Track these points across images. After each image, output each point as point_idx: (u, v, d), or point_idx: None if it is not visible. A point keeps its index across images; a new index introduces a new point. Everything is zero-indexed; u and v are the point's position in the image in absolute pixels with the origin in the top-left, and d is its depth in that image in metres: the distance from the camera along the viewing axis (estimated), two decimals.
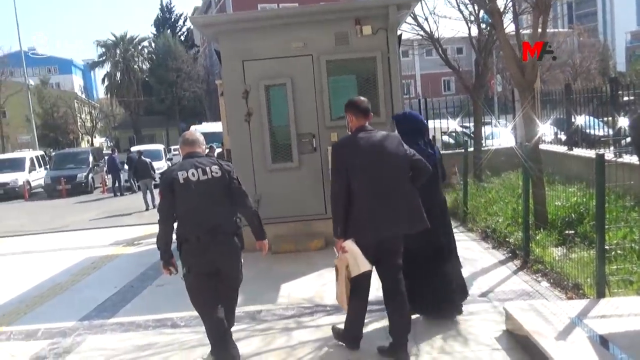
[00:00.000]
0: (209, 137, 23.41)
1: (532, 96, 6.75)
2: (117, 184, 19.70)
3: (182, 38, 51.14)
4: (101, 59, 47.10)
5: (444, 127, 12.67)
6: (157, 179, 18.14)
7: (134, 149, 24.36)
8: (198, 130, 24.24)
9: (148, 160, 16.13)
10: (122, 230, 10.63)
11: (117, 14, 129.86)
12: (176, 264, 3.83)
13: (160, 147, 26.23)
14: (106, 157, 23.67)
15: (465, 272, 5.78)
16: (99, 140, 54.83)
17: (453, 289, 4.46)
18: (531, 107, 6.76)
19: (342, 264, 3.86)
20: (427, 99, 11.97)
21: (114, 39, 46.21)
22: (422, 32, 10.13)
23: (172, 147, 33.87)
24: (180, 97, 45.42)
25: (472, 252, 6.73)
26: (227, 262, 3.83)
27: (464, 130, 12.74)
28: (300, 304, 5.31)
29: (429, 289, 4.30)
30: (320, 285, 5.85)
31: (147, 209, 14.86)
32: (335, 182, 3.81)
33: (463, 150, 9.11)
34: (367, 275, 3.81)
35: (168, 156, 25.75)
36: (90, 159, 23.24)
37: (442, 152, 11.21)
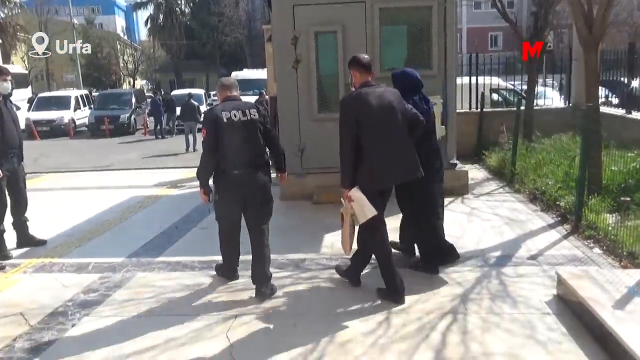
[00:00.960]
0: (251, 83, 23.48)
1: (596, 54, 6.38)
2: (159, 127, 19.96)
3: None
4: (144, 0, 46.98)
5: (492, 84, 12.23)
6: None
7: (173, 92, 24.51)
8: (239, 76, 24.56)
9: (196, 103, 16.36)
10: (165, 172, 10.80)
11: None
12: (211, 192, 4.38)
13: (201, 91, 26.27)
14: (149, 100, 23.96)
15: (513, 234, 5.72)
16: (139, 83, 55.38)
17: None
18: (593, 67, 6.40)
19: (347, 212, 4.11)
20: (477, 54, 11.49)
21: None
22: None
23: (212, 92, 33.92)
24: (221, 42, 45.11)
25: (519, 213, 6.58)
26: (257, 191, 4.28)
27: (514, 88, 12.26)
28: (343, 255, 5.30)
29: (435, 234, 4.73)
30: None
31: (187, 151, 15.10)
32: (344, 134, 3.98)
33: (515, 109, 8.77)
34: (380, 220, 4.10)
35: (208, 101, 25.80)
36: (133, 100, 23.50)
37: (489, 109, 11.11)
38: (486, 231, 5.93)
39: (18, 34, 42.47)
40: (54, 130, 21.98)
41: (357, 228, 4.24)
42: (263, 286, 4.28)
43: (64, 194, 9.02)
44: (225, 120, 4.16)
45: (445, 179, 7.59)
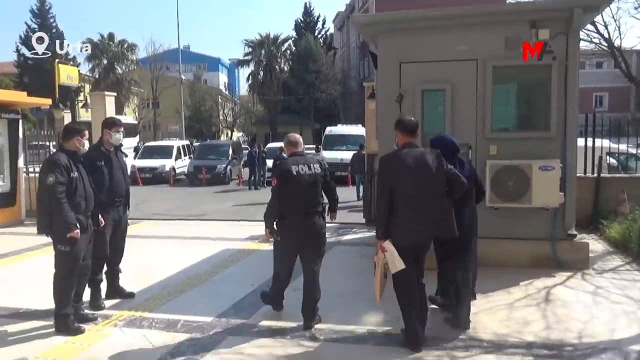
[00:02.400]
0: (344, 138, 23.63)
1: None
2: (252, 178, 20.35)
3: (321, 40, 52.27)
4: (247, 57, 49.57)
5: (606, 147, 11.22)
6: None
7: (268, 145, 25.10)
8: (333, 131, 24.72)
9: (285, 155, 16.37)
10: (256, 225, 10.65)
11: (261, 15, 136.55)
12: (275, 232, 4.94)
13: (280, 144, 26.69)
14: (245, 152, 24.66)
15: None
16: (237, 135, 57.88)
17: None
18: None
19: (380, 261, 4.35)
20: (594, 114, 10.62)
21: (259, 38, 48.38)
22: (599, 39, 8.94)
23: (305, 146, 34.41)
24: (316, 98, 46.33)
25: None
26: (313, 234, 4.89)
27: (635, 152, 11.17)
28: (451, 332, 4.72)
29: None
30: (472, 313, 5.20)
31: None
32: (380, 190, 4.37)
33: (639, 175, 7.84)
34: (408, 276, 4.28)
35: None
36: (230, 151, 24.28)
37: (607, 175, 10.11)
38: (619, 317, 5.11)
39: (132, 88, 46.30)
40: (156, 178, 23.02)
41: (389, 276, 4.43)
42: (309, 320, 4.88)
43: (160, 243, 9.10)
44: (294, 173, 4.81)
45: (563, 251, 6.95)
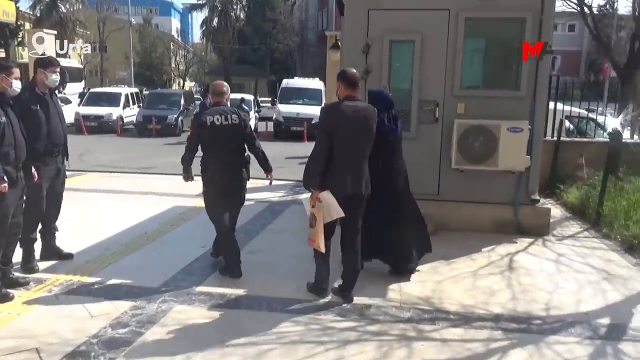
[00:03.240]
0: (302, 92, 22.96)
1: None
2: None
3: None
4: (200, 1, 47.27)
5: (566, 111, 11.16)
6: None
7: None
8: (290, 84, 23.99)
9: (247, 108, 16.20)
10: None
11: None
12: (192, 175, 5.18)
13: (251, 97, 25.85)
14: (197, 102, 23.67)
15: (618, 294, 4.79)
16: (189, 84, 55.90)
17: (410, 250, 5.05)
18: None
19: (319, 212, 4.27)
20: (558, 77, 10.46)
21: None
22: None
23: (260, 99, 33.59)
24: (273, 48, 44.95)
25: (617, 266, 5.60)
26: (235, 187, 5.06)
27: (594, 117, 11.16)
28: (416, 304, 4.47)
29: (391, 245, 4.99)
30: (436, 282, 4.99)
31: None
32: (319, 140, 4.30)
33: (608, 140, 7.76)
34: (332, 228, 4.42)
35: (258, 107, 25.35)
36: (182, 101, 23.24)
37: (567, 139, 10.04)
38: (583, 287, 4.99)
39: (77, 29, 43.50)
40: (102, 127, 21.85)
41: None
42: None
43: (104, 198, 8.47)
44: (208, 123, 4.88)
45: (524, 216, 6.79)
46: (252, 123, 21.03)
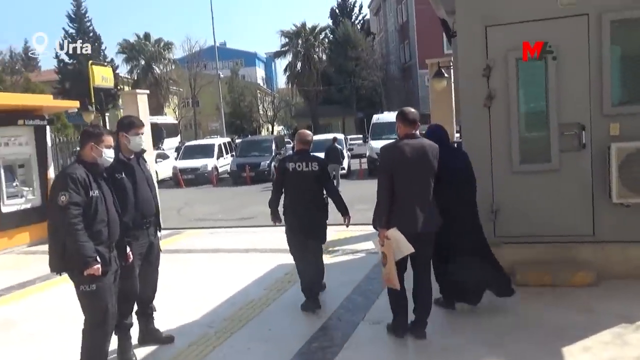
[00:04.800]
0: (393, 126, 21.89)
1: None
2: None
3: (359, 26, 50.50)
4: (283, 49, 48.33)
5: None
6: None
7: (315, 137, 23.75)
8: (380, 119, 23.26)
9: (340, 147, 16.00)
10: None
11: (294, 6, 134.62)
12: (280, 217, 5.49)
13: (342, 136, 25.37)
14: (288, 146, 23.53)
15: None
16: (277, 129, 56.96)
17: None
18: None
19: (389, 250, 4.25)
20: None
21: (295, 28, 47.03)
22: None
23: (349, 137, 33.16)
24: (357, 86, 44.70)
25: None
26: (315, 225, 5.30)
27: None
28: None
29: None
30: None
31: None
32: (381, 179, 4.31)
33: None
34: (401, 266, 4.32)
35: (348, 145, 24.78)
36: (273, 147, 23.18)
37: None
38: None
39: (171, 87, 45.88)
40: (198, 178, 22.16)
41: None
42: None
43: (203, 259, 7.94)
44: (290, 169, 5.27)
45: None
46: (345, 162, 20.53)
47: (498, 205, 5.72)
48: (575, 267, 5.42)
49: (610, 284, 5.18)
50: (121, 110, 12.26)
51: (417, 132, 4.41)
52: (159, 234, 4.63)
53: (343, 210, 5.43)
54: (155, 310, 4.66)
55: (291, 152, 21.47)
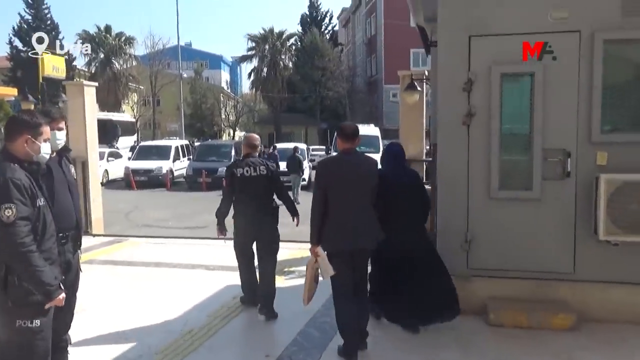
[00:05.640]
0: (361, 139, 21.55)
1: None
2: None
3: (328, 36, 50.19)
4: (250, 52, 47.42)
5: None
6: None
7: (278, 145, 23.09)
8: None
9: (301, 157, 16.05)
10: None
11: (265, 11, 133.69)
12: (226, 229, 5.46)
13: (304, 146, 24.79)
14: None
15: None
16: (239, 134, 55.90)
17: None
18: None
19: (310, 266, 4.31)
20: None
21: (263, 32, 46.27)
22: None
23: (312, 147, 32.63)
24: (322, 96, 44.23)
25: None
26: (265, 232, 5.27)
27: None
28: None
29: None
30: None
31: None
32: (316, 194, 4.22)
33: None
34: (343, 282, 4.20)
35: (310, 156, 24.20)
36: (233, 152, 22.35)
37: None
38: None
39: (130, 84, 44.29)
40: (151, 181, 21.13)
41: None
42: (265, 308, 5.19)
43: (142, 273, 7.07)
44: (238, 175, 5.20)
45: None
46: (306, 173, 19.89)
47: (473, 233, 5.19)
48: (554, 308, 4.93)
49: (591, 327, 4.71)
50: (63, 103, 11.29)
51: (356, 147, 4.36)
52: (79, 251, 3.84)
53: (292, 210, 5.41)
54: (70, 343, 3.87)
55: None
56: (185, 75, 48.92)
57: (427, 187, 7.90)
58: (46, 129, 3.21)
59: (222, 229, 5.44)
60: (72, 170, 3.92)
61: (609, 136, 4.88)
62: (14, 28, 41.16)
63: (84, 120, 9.61)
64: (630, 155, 4.79)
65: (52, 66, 17.49)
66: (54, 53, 17.84)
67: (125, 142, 30.22)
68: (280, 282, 6.63)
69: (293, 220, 5.44)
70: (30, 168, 3.09)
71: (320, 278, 4.34)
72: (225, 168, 20.91)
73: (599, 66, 4.85)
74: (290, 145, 21.16)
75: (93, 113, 10.01)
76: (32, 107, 13.67)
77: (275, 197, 5.38)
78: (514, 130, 5.21)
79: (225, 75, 77.57)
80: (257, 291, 5.36)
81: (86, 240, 9.10)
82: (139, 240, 9.45)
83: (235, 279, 6.44)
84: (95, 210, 9.88)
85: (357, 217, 4.17)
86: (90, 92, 9.78)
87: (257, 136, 5.67)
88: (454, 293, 4.73)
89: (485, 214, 5.17)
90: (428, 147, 8.94)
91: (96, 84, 9.88)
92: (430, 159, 7.22)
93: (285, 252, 8.06)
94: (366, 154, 4.63)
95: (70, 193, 3.70)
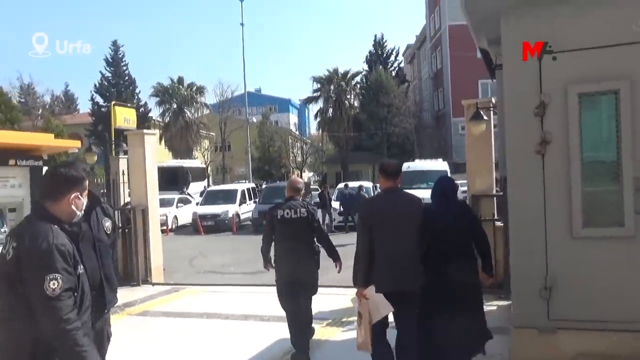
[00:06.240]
0: (425, 175, 20.79)
1: None
2: (327, 221, 18.20)
3: (394, 73, 49.99)
4: (315, 94, 47.96)
5: None
6: None
7: (342, 184, 22.73)
8: (411, 167, 22.15)
9: (366, 195, 15.39)
10: (329, 294, 7.99)
11: (332, 52, 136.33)
12: (272, 263, 5.37)
13: (370, 184, 24.27)
14: (315, 193, 22.61)
15: None
16: (307, 175, 56.20)
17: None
18: None
19: (365, 310, 4.10)
20: None
21: (328, 74, 46.75)
22: None
23: (378, 185, 32.01)
24: (389, 133, 43.70)
25: None
26: (306, 274, 5.22)
27: None
28: None
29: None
30: None
31: None
32: (359, 236, 4.24)
33: None
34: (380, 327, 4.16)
35: (376, 192, 23.60)
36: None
37: None
38: None
39: (201, 131, 45.82)
40: (218, 225, 21.21)
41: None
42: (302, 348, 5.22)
43: (193, 326, 6.70)
44: (279, 217, 5.25)
45: None
46: None
47: (554, 279, 4.44)
48: None
49: None
50: (123, 152, 11.46)
51: (399, 184, 4.37)
52: (106, 314, 3.42)
53: (334, 255, 5.35)
54: None
55: (318, 199, 20.93)
56: (254, 120, 50.17)
57: (499, 224, 7.23)
58: (86, 182, 2.92)
59: (268, 262, 5.44)
60: (107, 223, 3.51)
61: None
62: (95, 85, 44.00)
63: (144, 168, 9.62)
64: None
65: (124, 118, 18.19)
66: (124, 105, 18.56)
67: (196, 188, 30.97)
68: (336, 333, 6.09)
69: (335, 266, 5.38)
70: (72, 230, 2.74)
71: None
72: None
73: None
74: (355, 184, 20.72)
75: (153, 161, 10.03)
76: (95, 157, 14.07)
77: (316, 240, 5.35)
78: (598, 157, 4.48)
79: (293, 118, 79.10)
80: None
81: (145, 290, 9.05)
82: (195, 289, 9.17)
83: (286, 330, 5.97)
84: (155, 259, 9.76)
85: (402, 256, 4.09)
86: (150, 140, 9.83)
87: (300, 179, 5.90)
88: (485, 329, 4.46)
89: (568, 256, 4.42)
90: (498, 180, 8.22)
91: (156, 132, 9.93)
92: (501, 193, 6.51)
93: (332, 299, 7.46)
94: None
95: (95, 251, 3.29)
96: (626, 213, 4.26)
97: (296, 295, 5.21)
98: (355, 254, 4.24)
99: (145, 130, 9.95)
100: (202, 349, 5.68)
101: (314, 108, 51.77)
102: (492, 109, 7.43)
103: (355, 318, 4.38)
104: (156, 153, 10.13)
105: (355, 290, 4.30)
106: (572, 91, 4.36)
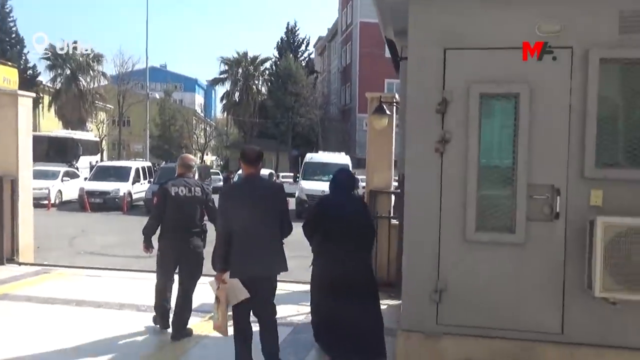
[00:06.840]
0: (326, 167, 20.78)
1: None
2: None
3: (303, 63, 49.89)
4: (222, 75, 46.67)
5: None
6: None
7: (239, 171, 22.19)
8: (314, 158, 22.10)
9: (279, 182, 15.04)
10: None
11: (243, 35, 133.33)
12: (152, 246, 5.38)
13: (267, 171, 23.96)
14: (215, 177, 21.86)
15: None
16: (210, 158, 54.73)
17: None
18: None
19: (222, 294, 4.23)
20: None
21: (237, 56, 45.63)
22: None
23: (281, 174, 31.85)
24: (295, 122, 43.58)
25: None
26: (190, 252, 5.23)
27: None
28: None
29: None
30: None
31: None
32: (219, 222, 4.29)
33: None
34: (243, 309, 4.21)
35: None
36: (196, 176, 21.30)
37: None
38: None
39: (96, 102, 42.94)
40: (107, 203, 19.95)
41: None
42: (176, 331, 5.20)
43: (57, 313, 6.00)
44: (172, 193, 5.16)
45: None
46: None
47: (444, 282, 4.35)
48: None
49: None
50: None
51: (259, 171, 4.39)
52: None
53: None
54: None
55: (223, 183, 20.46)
56: (157, 96, 47.87)
57: (395, 221, 7.18)
58: None
59: (148, 245, 5.37)
60: None
61: (606, 171, 4.14)
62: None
63: (16, 134, 8.58)
64: (625, 194, 4.05)
65: (3, 77, 16.31)
66: (4, 64, 16.69)
67: (87, 162, 29.02)
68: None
69: None
70: None
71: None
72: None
73: (594, 89, 4.12)
74: (266, 171, 20.33)
75: (29, 128, 8.99)
76: None
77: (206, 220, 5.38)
78: (496, 161, 4.43)
79: (199, 99, 76.82)
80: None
81: (10, 270, 8.07)
82: (71, 271, 8.34)
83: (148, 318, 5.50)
84: (25, 235, 8.75)
85: (261, 242, 4.14)
86: (26, 103, 8.79)
87: (192, 157, 5.84)
88: (381, 333, 4.70)
89: (460, 260, 4.35)
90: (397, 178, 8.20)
91: (33, 94, 8.90)
92: (399, 191, 6.43)
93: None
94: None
95: None
96: (518, 220, 4.24)
97: (172, 271, 5.30)
98: (215, 238, 4.29)
99: (20, 91, 8.83)
100: (63, 341, 5.03)
101: (220, 90, 50.45)
102: (395, 104, 7.34)
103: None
104: (44, 121, 9.08)
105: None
106: (474, 90, 4.27)
